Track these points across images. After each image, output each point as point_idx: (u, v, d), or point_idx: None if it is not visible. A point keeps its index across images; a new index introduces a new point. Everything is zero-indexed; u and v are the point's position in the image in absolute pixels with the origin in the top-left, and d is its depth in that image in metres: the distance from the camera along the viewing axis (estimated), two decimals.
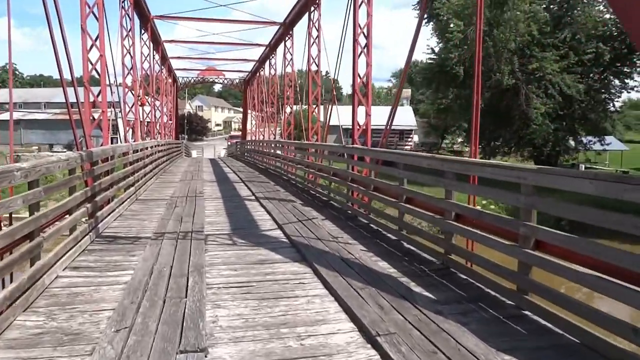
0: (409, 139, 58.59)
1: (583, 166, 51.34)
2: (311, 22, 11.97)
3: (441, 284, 4.53)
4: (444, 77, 38.45)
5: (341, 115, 11.26)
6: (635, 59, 36.62)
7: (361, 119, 8.97)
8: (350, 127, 8.88)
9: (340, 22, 9.00)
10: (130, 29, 11.52)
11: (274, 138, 21.53)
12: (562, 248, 3.55)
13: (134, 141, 11.90)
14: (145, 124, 17.26)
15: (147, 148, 12.15)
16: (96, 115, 8.68)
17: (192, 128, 74.13)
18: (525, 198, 3.78)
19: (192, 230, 6.67)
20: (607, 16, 37.13)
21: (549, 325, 3.52)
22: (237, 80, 39.26)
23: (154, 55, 19.29)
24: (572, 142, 38.99)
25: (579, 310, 3.35)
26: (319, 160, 11.11)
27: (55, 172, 4.96)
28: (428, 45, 42.33)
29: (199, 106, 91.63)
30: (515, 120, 35.85)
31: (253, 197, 10.36)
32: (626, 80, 37.69)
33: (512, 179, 3.96)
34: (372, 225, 7.17)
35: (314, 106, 12.55)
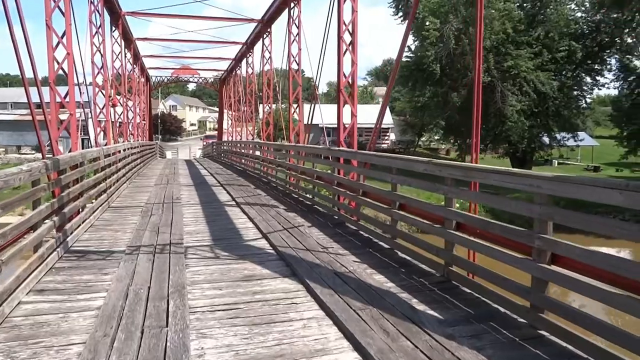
0: (386, 137, 58.57)
1: (556, 162, 52.33)
2: (291, 19, 11.55)
3: (445, 299, 4.19)
4: (420, 75, 38.51)
5: (320, 115, 10.95)
6: (605, 57, 37.38)
7: (346, 119, 8.61)
8: (331, 126, 8.52)
9: (321, 19, 8.67)
10: (100, 26, 10.87)
11: (252, 138, 21.03)
12: (583, 263, 3.25)
13: (106, 144, 11.28)
14: (118, 125, 16.56)
15: (119, 151, 11.55)
16: (64, 117, 8.11)
17: (166, 128, 72.72)
18: (540, 208, 3.46)
19: (171, 242, 6.20)
20: (579, 14, 37.82)
21: (570, 347, 3.22)
22: (212, 79, 38.51)
23: (125, 54, 18.55)
24: (546, 139, 39.56)
25: (603, 331, 3.06)
26: (301, 162, 10.71)
27: (15, 184, 4.44)
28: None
29: (172, 106, 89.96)
30: (491, 118, 36.13)
31: (233, 203, 9.90)
32: (597, 78, 38.47)
33: (522, 187, 3.65)
34: (362, 233, 6.81)
35: (295, 106, 12.11)
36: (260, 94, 20.48)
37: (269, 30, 15.49)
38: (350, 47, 8.10)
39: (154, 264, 5.16)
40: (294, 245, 6.00)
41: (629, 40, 35.85)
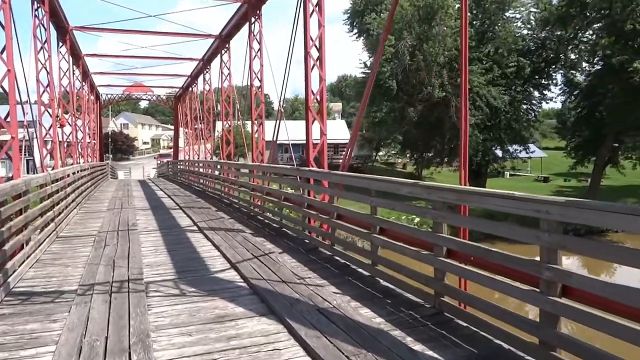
0: (343, 152, 58.81)
1: (508, 174, 53.96)
2: (252, 34, 11.12)
3: (442, 336, 3.83)
4: (377, 90, 38.81)
5: (282, 132, 10.55)
6: (551, 72, 39.03)
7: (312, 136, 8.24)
8: (296, 143, 8.14)
9: (283, 33, 8.28)
10: (45, 41, 10.08)
11: (211, 157, 20.32)
12: (598, 296, 2.97)
13: (53, 168, 10.42)
14: (66, 146, 15.54)
15: (68, 175, 10.70)
16: (5, 138, 7.32)
17: (118, 147, 70.24)
18: (549, 236, 3.17)
19: (129, 278, 5.58)
20: (525, 31, 39.42)
21: None
22: (165, 96, 37.44)
23: (74, 71, 17.55)
24: (499, 152, 40.71)
25: None
26: (266, 182, 10.24)
27: None
28: (360, 59, 42.80)
29: (124, 124, 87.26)
30: (446, 132, 36.87)
31: (195, 228, 9.28)
32: (544, 92, 40.09)
33: (528, 213, 3.36)
34: (337, 258, 6.41)
35: (257, 123, 11.64)
36: (219, 110, 19.92)
37: (227, 45, 15.01)
38: (317, 63, 7.76)
39: (110, 307, 4.56)
40: (267, 276, 5.52)
41: (572, 56, 37.56)
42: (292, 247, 7.23)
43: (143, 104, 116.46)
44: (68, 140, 15.75)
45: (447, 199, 4.22)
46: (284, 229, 8.75)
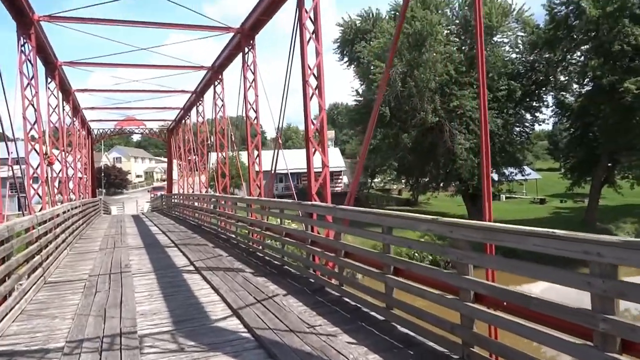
0: (339, 180, 58.58)
1: (504, 196, 53.81)
2: (246, 64, 10.88)
3: None
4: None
5: (278, 162, 10.24)
6: (542, 94, 39.33)
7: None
8: (295, 171, 7.77)
9: (278, 63, 8.03)
10: (32, 77, 9.75)
11: (206, 190, 19.91)
12: None
13: (41, 209, 9.95)
14: (56, 184, 15.08)
15: (57, 215, 10.22)
16: None
17: (111, 181, 69.61)
18: (603, 282, 2.77)
19: (121, 331, 5.08)
20: (514, 55, 39.87)
21: None
22: (157, 129, 37.21)
23: (64, 107, 17.24)
24: (495, 175, 40.59)
25: None
26: (265, 216, 9.82)
27: None
28: (352, 87, 43.07)
29: (117, 157, 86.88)
30: (440, 157, 36.77)
31: (192, 268, 8.79)
32: (536, 114, 40.29)
33: (574, 255, 2.97)
34: (347, 300, 5.95)
35: (255, 154, 11.28)
36: (213, 142, 19.61)
37: (220, 77, 14.77)
38: (316, 91, 7.47)
39: None
40: (273, 325, 5.05)
41: (562, 78, 37.90)
42: (297, 289, 6.76)
43: (136, 137, 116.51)
44: (59, 178, 15.29)
45: (472, 238, 3.82)
46: (286, 267, 8.28)
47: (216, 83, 14.99)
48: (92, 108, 24.16)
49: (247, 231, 11.07)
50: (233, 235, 12.27)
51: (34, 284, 7.19)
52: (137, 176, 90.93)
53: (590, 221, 33.66)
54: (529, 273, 3.58)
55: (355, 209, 5.83)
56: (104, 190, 62.83)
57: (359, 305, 5.68)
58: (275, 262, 8.76)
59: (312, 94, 7.22)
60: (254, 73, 10.83)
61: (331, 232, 7.33)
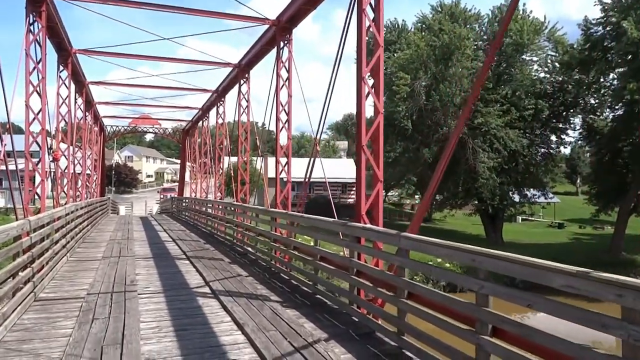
0: (352, 192, 57.27)
1: (520, 218, 52.23)
2: (280, 61, 9.63)
3: None
4: (391, 130, 37.67)
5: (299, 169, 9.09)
6: (569, 116, 37.95)
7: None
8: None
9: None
10: (39, 60, 8.61)
11: (221, 197, 18.69)
12: None
13: (39, 211, 8.75)
14: (62, 181, 13.95)
15: (58, 218, 9.04)
16: None
17: (121, 180, 68.90)
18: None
19: None
20: (542, 75, 38.58)
21: None
22: (170, 130, 36.18)
23: (76, 99, 16.17)
24: (516, 196, 39.24)
25: None
26: (293, 234, 8.55)
27: None
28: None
29: (128, 156, 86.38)
30: (461, 174, 35.52)
31: (208, 290, 7.52)
32: (562, 136, 38.95)
33: (611, 298, 1.76)
34: (410, 355, 4.63)
35: (284, 162, 10.03)
36: (232, 146, 18.46)
37: (247, 75, 13.57)
38: (372, 91, 6.21)
39: None
40: None
41: (592, 101, 36.52)
42: (340, 331, 5.45)
43: (149, 137, 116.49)
44: (64, 174, 14.16)
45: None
46: (319, 296, 6.99)
47: (242, 82, 13.81)
48: (106, 103, 23.11)
49: (268, 247, 9.80)
50: (251, 250, 11.01)
51: (21, 304, 5.97)
52: (148, 176, 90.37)
53: (615, 250, 32.04)
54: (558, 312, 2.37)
55: (426, 239, 4.54)
56: (113, 189, 62.11)
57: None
58: (305, 289, 7.47)
59: (369, 93, 5.97)
60: (288, 71, 9.62)
61: (380, 263, 6.05)
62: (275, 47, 9.85)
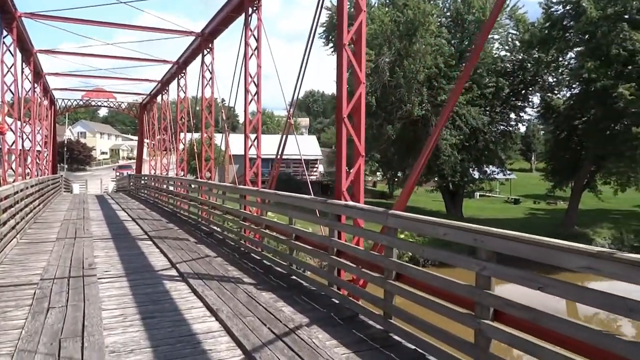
0: (315, 169, 57.06)
1: (477, 194, 53.57)
2: (248, 28, 8.99)
3: None
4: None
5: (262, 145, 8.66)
6: (528, 94, 38.72)
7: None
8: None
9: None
10: None
11: (184, 173, 17.93)
12: None
13: None
14: (10, 157, 12.92)
15: (5, 198, 8.27)
16: None
17: (74, 157, 66.00)
18: None
19: None
20: (503, 53, 39.04)
21: None
22: (126, 105, 34.49)
23: (23, 69, 14.94)
24: (476, 173, 40.00)
25: None
26: (265, 213, 8.13)
27: None
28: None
29: (81, 132, 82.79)
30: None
31: (175, 273, 7.05)
32: (521, 114, 39.79)
33: None
34: (398, 339, 4.36)
35: (253, 137, 9.48)
36: (195, 120, 17.64)
37: (211, 45, 12.79)
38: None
39: None
40: None
41: (550, 79, 37.33)
42: (322, 315, 5.13)
43: (102, 113, 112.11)
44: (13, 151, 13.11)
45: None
46: (294, 278, 6.65)
47: (206, 52, 13.01)
48: (57, 74, 21.59)
49: (238, 227, 9.35)
50: (218, 229, 10.52)
51: None
52: (102, 153, 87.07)
53: (569, 224, 33.32)
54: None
55: (419, 217, 4.23)
56: (65, 166, 59.51)
57: (421, 351, 4.10)
58: (279, 270, 7.11)
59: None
60: (257, 39, 9.01)
61: (361, 240, 5.76)
62: (244, 14, 9.21)
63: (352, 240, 5.77)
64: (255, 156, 9.60)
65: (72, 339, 4.28)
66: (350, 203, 5.48)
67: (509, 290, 3.69)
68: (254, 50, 8.86)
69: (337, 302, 5.52)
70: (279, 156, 7.69)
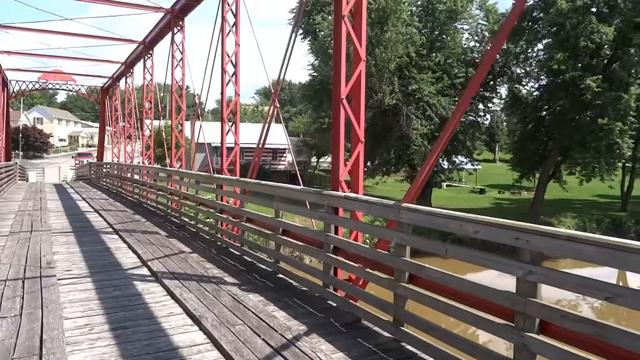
0: (283, 158, 56.33)
1: (444, 184, 54.16)
2: (226, 3, 8.25)
3: None
4: (326, 95, 36.86)
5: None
6: (497, 85, 39.10)
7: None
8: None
9: None
10: None
11: (149, 161, 16.90)
12: None
13: None
14: None
15: None
16: None
17: (30, 144, 62.94)
18: None
19: None
20: (472, 43, 39.22)
21: None
22: (86, 89, 32.65)
23: None
24: (446, 163, 40.26)
25: None
26: (244, 204, 7.46)
27: None
28: (308, 61, 40.83)
29: (38, 118, 79.00)
30: (394, 141, 35.70)
31: (147, 272, 6.31)
32: (489, 105, 40.19)
33: None
34: (411, 350, 3.84)
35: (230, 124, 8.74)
36: (162, 106, 16.65)
37: (181, 23, 11.86)
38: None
39: None
40: None
41: (519, 71, 37.74)
42: (320, 321, 4.55)
43: (60, 98, 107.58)
44: None
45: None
46: (281, 276, 6.04)
47: (176, 30, 12.06)
48: (10, 52, 19.98)
49: (213, 219, 8.64)
50: (191, 222, 9.77)
51: None
52: (60, 140, 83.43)
53: (535, 214, 33.93)
54: None
55: (440, 212, 3.69)
56: (21, 154, 56.65)
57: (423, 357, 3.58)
58: (265, 268, 6.48)
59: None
60: (235, 15, 8.24)
61: (360, 235, 5.19)
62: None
63: (350, 236, 5.20)
64: (230, 145, 8.90)
65: (28, 358, 3.54)
66: (352, 195, 4.90)
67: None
68: (232, 26, 8.10)
69: (334, 304, 4.95)
70: (260, 145, 7.02)
